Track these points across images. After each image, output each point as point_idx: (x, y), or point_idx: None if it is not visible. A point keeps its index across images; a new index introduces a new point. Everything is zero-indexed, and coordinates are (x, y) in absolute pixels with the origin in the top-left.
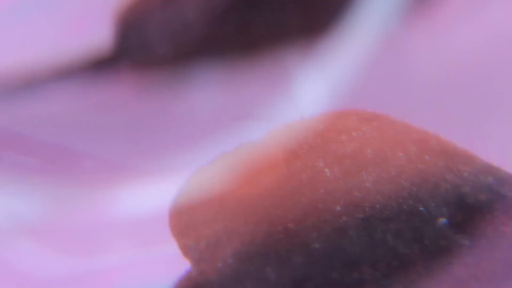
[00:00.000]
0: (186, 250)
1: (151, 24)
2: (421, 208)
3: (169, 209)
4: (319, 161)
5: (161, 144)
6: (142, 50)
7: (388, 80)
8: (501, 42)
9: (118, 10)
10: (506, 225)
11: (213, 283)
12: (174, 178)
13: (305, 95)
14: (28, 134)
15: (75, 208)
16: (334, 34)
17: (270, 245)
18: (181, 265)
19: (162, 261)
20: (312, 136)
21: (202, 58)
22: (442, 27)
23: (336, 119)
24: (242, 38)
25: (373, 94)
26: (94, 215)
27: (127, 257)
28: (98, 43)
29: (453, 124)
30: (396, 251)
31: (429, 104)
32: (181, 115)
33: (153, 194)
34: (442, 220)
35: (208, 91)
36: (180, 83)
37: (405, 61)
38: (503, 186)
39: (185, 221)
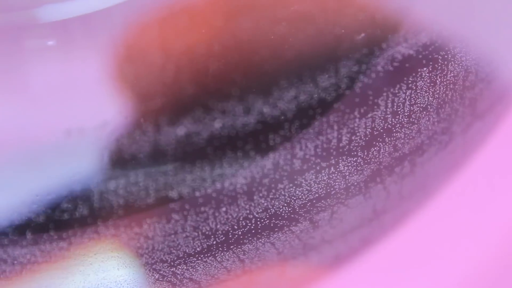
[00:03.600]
0: (126, 96)
1: None
2: (350, 59)
3: (112, 60)
4: (253, 17)
5: None
6: None
7: None
8: None
9: None
10: (432, 67)
11: (151, 125)
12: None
13: None
14: None
15: None
16: None
17: (206, 92)
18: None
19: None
20: None
21: None
22: None
23: None
24: None
25: None
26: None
27: (66, 103)
28: None
29: None
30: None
31: None
32: None
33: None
34: (369, 67)
35: None
36: None
37: None
38: (430, 39)
39: (126, 71)
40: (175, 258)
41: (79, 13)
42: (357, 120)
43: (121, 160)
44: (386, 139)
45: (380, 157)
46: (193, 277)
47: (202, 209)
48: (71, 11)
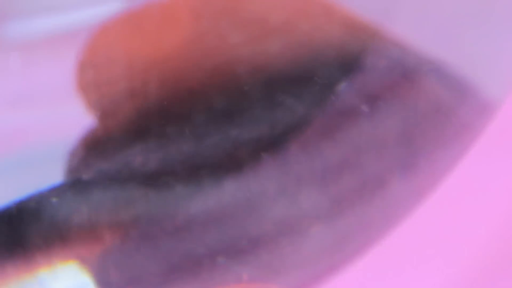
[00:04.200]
0: (90, 107)
1: None
2: (322, 73)
3: (74, 67)
4: (225, 24)
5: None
6: None
7: None
8: None
9: None
10: (404, 89)
11: (116, 138)
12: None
13: None
14: None
15: None
16: None
17: (173, 104)
18: (86, 124)
19: (66, 120)
20: (220, 0)
21: None
22: None
23: None
24: None
25: None
26: None
27: (31, 116)
28: None
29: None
30: (295, 112)
31: None
32: None
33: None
34: (342, 85)
35: None
36: None
37: None
38: (405, 56)
39: (89, 79)
40: (133, 281)
41: (45, 31)
42: (318, 148)
43: (80, 175)
44: (348, 169)
45: (342, 187)
46: None
47: (161, 231)
48: (37, 28)
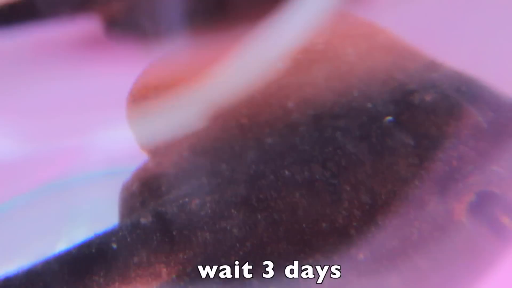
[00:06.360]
0: (143, 143)
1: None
2: (369, 105)
3: (127, 97)
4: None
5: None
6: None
7: None
8: None
9: None
10: (448, 125)
11: (169, 175)
12: (130, 67)
13: None
14: None
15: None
16: None
17: (224, 140)
18: (138, 157)
19: (120, 149)
20: None
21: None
22: None
23: None
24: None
25: None
26: (42, 99)
27: (81, 142)
28: None
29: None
30: (345, 149)
31: None
32: None
33: (110, 82)
34: (389, 118)
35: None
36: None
37: None
38: (447, 83)
39: (141, 112)
40: None
41: None
42: (366, 181)
43: (138, 217)
44: (394, 201)
45: (387, 218)
46: None
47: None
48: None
